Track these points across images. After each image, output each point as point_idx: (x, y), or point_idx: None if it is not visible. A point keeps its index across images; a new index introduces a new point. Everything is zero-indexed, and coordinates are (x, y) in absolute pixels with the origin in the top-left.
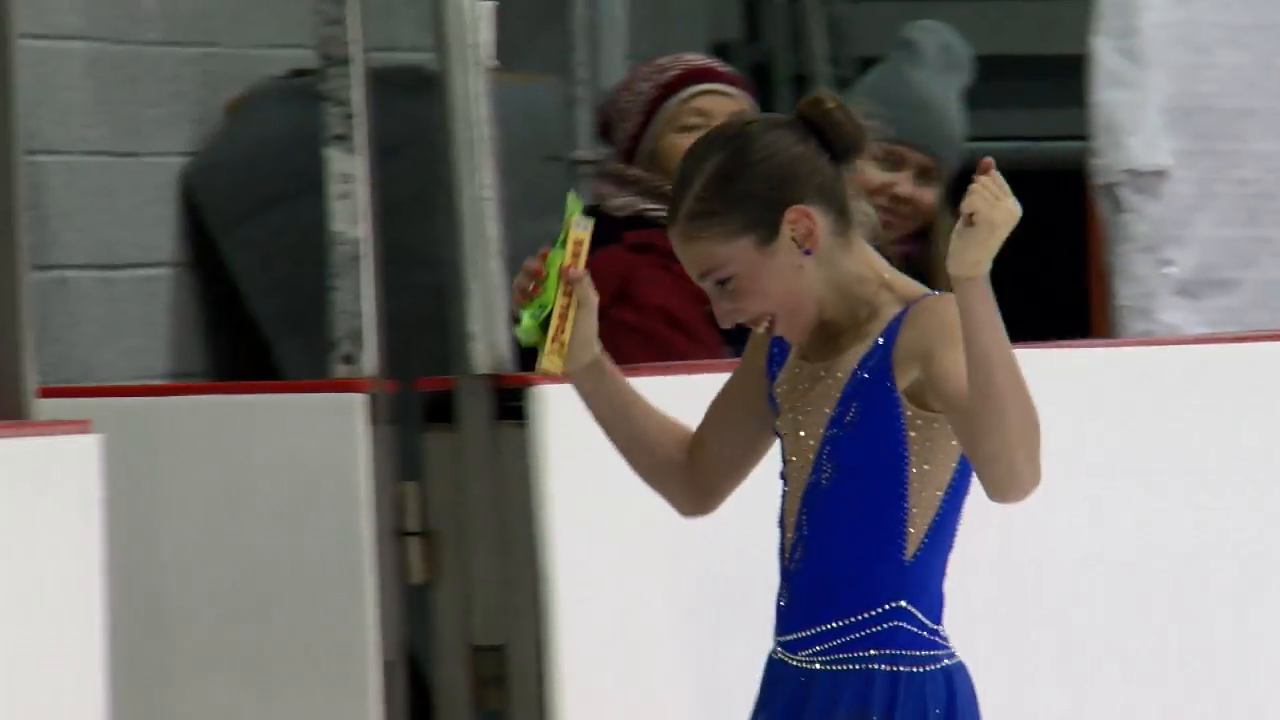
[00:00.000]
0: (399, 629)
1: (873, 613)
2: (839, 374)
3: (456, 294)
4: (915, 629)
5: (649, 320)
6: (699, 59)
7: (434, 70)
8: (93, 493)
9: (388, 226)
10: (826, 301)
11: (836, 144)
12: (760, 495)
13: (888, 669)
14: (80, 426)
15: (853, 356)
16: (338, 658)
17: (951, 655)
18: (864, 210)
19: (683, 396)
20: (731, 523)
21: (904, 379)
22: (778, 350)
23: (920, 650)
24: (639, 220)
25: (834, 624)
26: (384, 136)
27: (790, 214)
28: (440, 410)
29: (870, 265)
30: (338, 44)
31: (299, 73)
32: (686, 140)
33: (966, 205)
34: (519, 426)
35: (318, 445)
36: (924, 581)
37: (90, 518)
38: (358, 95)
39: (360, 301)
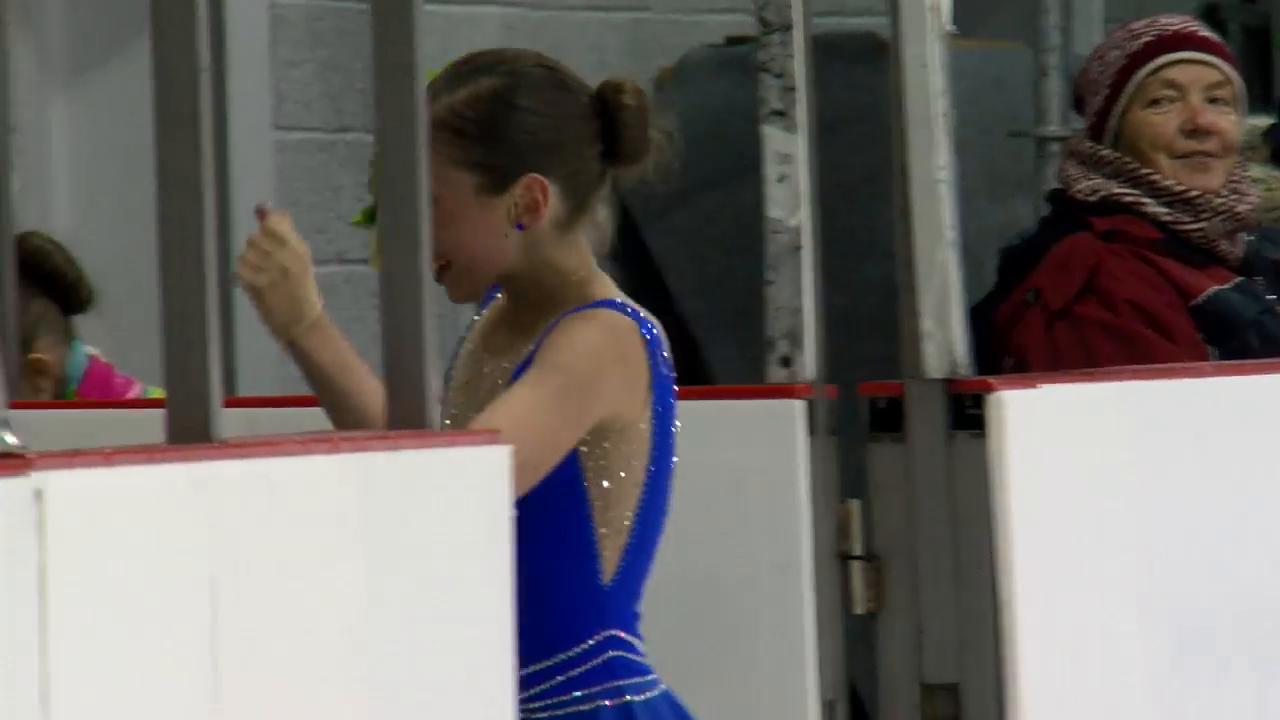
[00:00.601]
0: (841, 664)
1: (584, 646)
2: (505, 375)
3: (906, 287)
4: (631, 655)
5: (1124, 317)
6: (1177, 22)
7: (886, 37)
8: (502, 509)
9: (830, 212)
10: (514, 280)
11: (614, 143)
12: (1246, 519)
13: (615, 702)
14: (488, 436)
15: (519, 356)
16: (771, 694)
17: (658, 677)
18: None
19: (1167, 404)
20: (1209, 546)
21: None
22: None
23: (641, 676)
24: (1108, 205)
25: (546, 663)
26: (827, 112)
27: (527, 180)
28: (888, 419)
29: (576, 262)
30: (779, 8)
31: (735, 40)
32: (1157, 117)
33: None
34: (976, 437)
35: (751, 457)
36: (626, 604)
37: (499, 535)
38: (799, 65)
39: (799, 296)
